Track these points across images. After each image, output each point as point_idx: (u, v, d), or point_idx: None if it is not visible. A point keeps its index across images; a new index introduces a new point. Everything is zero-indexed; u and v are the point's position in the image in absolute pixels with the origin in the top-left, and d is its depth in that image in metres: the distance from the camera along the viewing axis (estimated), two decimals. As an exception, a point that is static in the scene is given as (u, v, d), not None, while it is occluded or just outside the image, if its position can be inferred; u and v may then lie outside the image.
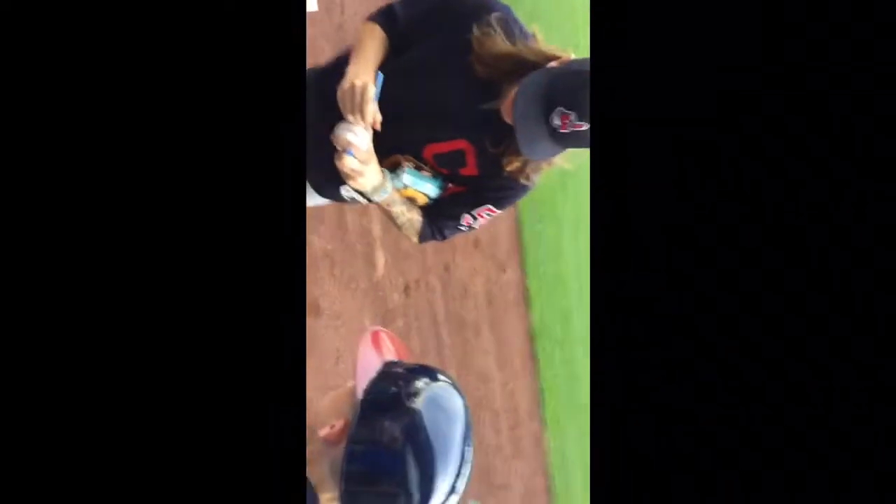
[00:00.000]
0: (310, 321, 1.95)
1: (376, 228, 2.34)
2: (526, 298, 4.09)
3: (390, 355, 0.67)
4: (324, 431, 0.62)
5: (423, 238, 0.99)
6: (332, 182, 0.99)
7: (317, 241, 2.02)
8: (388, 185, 0.90)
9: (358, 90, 0.84)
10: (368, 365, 0.64)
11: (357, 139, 0.85)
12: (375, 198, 0.91)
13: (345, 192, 1.01)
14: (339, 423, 0.61)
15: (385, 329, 0.69)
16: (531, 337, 4.13)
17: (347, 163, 0.85)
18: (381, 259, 2.36)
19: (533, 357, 4.15)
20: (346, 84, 0.85)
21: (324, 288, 2.03)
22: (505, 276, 3.80)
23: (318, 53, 2.10)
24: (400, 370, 0.64)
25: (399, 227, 0.98)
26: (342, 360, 2.07)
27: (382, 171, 0.89)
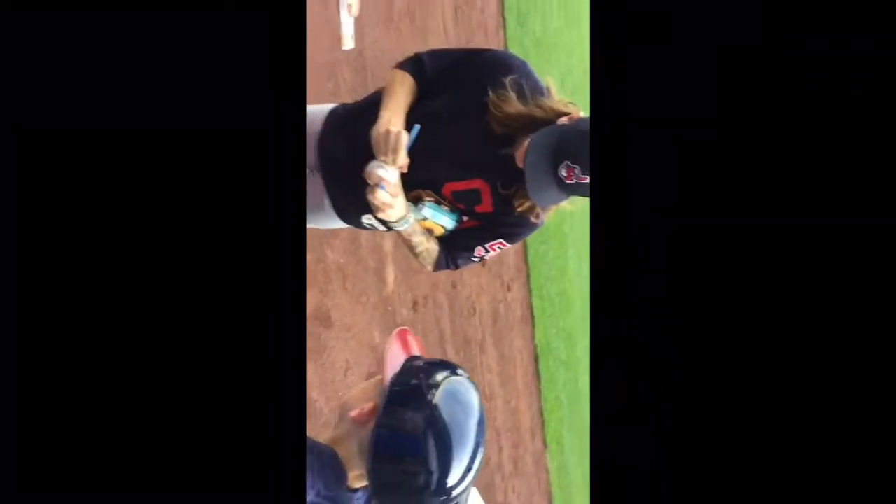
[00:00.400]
0: (321, 332, 2.00)
1: (387, 244, 2.40)
2: (531, 317, 4.12)
3: (414, 351, 0.75)
4: (354, 412, 0.69)
5: (437, 267, 1.09)
6: (355, 210, 1.09)
7: (330, 255, 2.08)
8: (411, 217, 1.00)
9: (392, 136, 0.94)
10: (395, 359, 0.72)
11: (388, 175, 0.95)
12: (398, 227, 1.01)
13: (366, 220, 1.10)
14: (368, 406, 0.68)
15: (408, 329, 0.78)
16: (535, 356, 4.15)
17: (379, 196, 0.95)
18: (391, 275, 2.42)
19: (536, 376, 4.16)
20: (381, 128, 0.96)
21: (335, 300, 2.08)
22: (511, 295, 3.85)
23: (339, 75, 2.19)
24: (421, 364, 0.72)
25: (417, 256, 1.07)
26: (351, 371, 2.11)
27: (407, 205, 0.99)
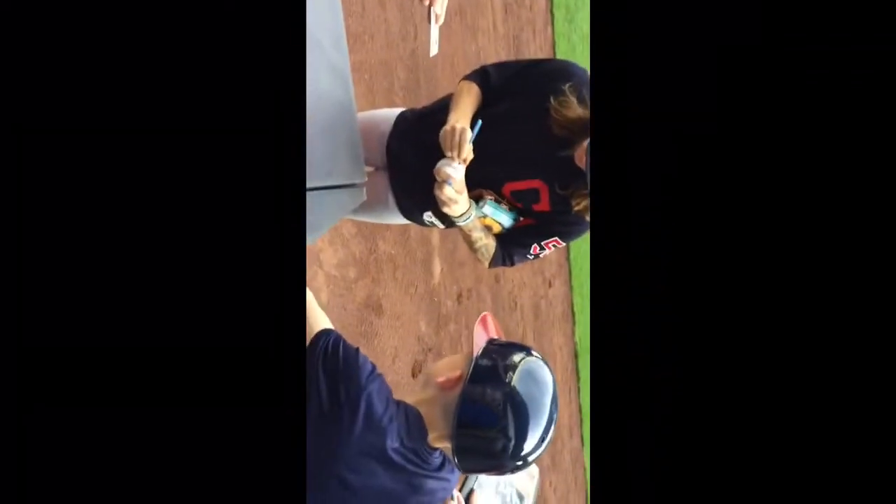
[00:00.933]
0: (373, 319, 2.09)
1: (435, 237, 2.47)
2: (571, 314, 4.12)
3: (493, 334, 0.84)
4: (441, 378, 0.78)
5: (494, 263, 1.16)
6: (418, 208, 1.18)
7: (382, 246, 2.17)
8: (472, 214, 1.08)
9: (458, 132, 1.01)
10: (479, 339, 0.81)
11: (455, 173, 1.03)
12: (460, 223, 1.08)
13: (427, 217, 1.18)
14: (455, 374, 0.77)
15: (490, 314, 0.87)
16: (575, 353, 4.15)
17: (446, 192, 1.03)
18: (437, 267, 2.49)
19: (576, 373, 4.16)
20: (448, 126, 1.03)
21: (386, 289, 2.17)
22: (552, 291, 3.86)
23: (393, 73, 2.27)
24: (500, 346, 0.81)
25: (475, 251, 1.14)
26: (398, 358, 2.20)
27: (469, 202, 1.07)
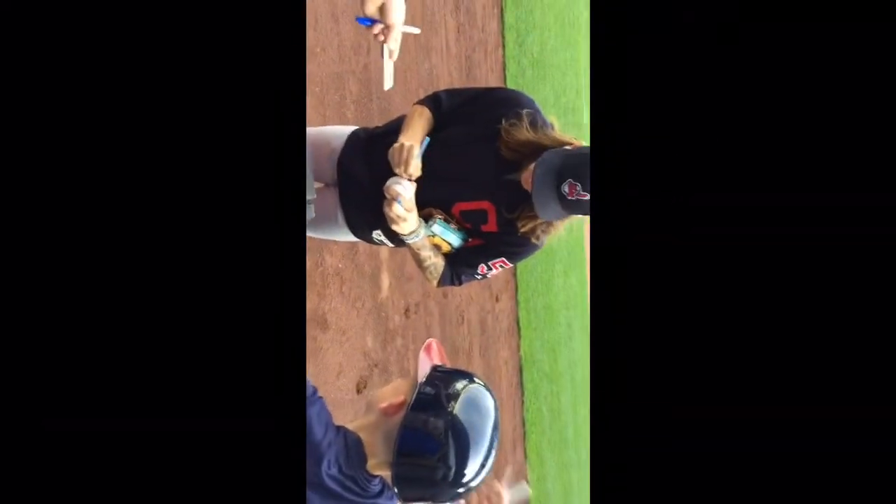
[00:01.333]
0: (317, 334, 2.06)
1: (384, 252, 2.47)
2: (517, 329, 4.20)
3: (437, 360, 0.85)
4: (384, 404, 0.78)
5: (442, 282, 1.19)
6: (367, 226, 1.18)
7: (329, 259, 2.14)
8: (422, 232, 1.11)
9: (406, 149, 1.05)
10: (424, 366, 0.81)
11: (404, 191, 1.05)
12: (409, 240, 1.11)
13: (376, 235, 1.20)
14: (397, 400, 0.77)
15: (436, 340, 0.88)
16: (520, 367, 4.23)
17: (395, 209, 1.05)
18: (385, 281, 2.48)
19: (520, 387, 4.23)
20: (396, 144, 1.07)
21: (332, 304, 2.14)
22: (499, 306, 3.92)
23: (345, 87, 2.27)
24: (444, 373, 0.81)
25: (424, 270, 1.17)
26: (343, 374, 2.17)
27: (418, 220, 1.09)
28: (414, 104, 1.15)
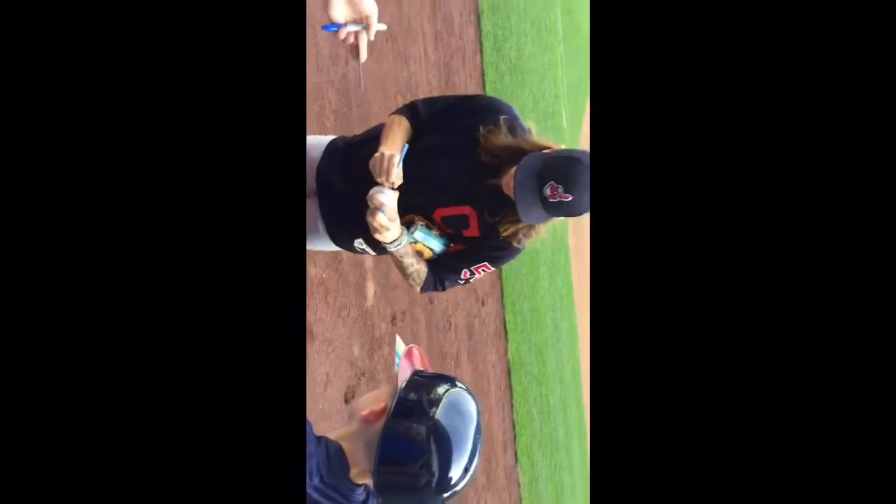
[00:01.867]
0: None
1: (368, 260, 2.46)
2: (504, 332, 4.22)
3: (419, 366, 0.84)
4: (365, 412, 0.76)
5: (426, 288, 1.19)
6: (349, 235, 1.18)
7: (313, 270, 2.13)
8: (404, 240, 1.11)
9: (386, 158, 1.05)
10: (404, 372, 0.79)
11: (388, 200, 1.06)
12: (391, 248, 1.11)
13: (358, 244, 1.20)
14: (378, 407, 0.76)
15: (417, 346, 0.87)
16: (508, 370, 4.24)
17: (379, 219, 1.06)
18: (371, 289, 2.48)
19: (509, 390, 4.24)
20: (377, 154, 1.08)
21: (317, 314, 2.13)
22: (485, 310, 3.93)
23: (324, 97, 2.27)
24: (425, 378, 0.80)
25: (407, 277, 1.17)
26: (331, 384, 2.15)
27: (401, 228, 1.10)
28: (391, 114, 1.15)
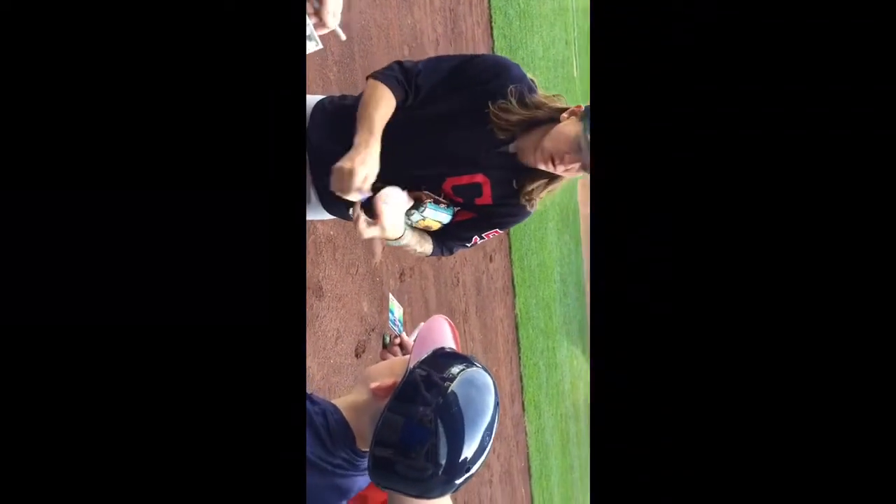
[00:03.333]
0: (313, 302, 2.06)
1: (375, 216, 2.44)
2: (512, 287, 4.23)
3: (449, 342, 0.76)
4: (375, 384, 0.70)
5: (432, 254, 1.16)
6: (342, 202, 1.10)
7: (320, 227, 2.12)
8: (408, 235, 1.06)
9: (346, 173, 0.94)
10: (423, 346, 0.71)
11: (392, 204, 1.00)
12: (393, 244, 1.07)
13: (352, 212, 1.14)
14: (388, 381, 0.69)
15: (448, 319, 0.77)
16: (516, 325, 4.28)
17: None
18: (378, 245, 2.47)
19: (517, 344, 4.30)
20: (337, 166, 0.96)
21: (326, 271, 2.13)
22: (493, 266, 3.94)
23: (326, 47, 2.19)
24: (443, 359, 0.71)
25: (410, 252, 1.13)
26: (341, 339, 2.18)
27: (404, 225, 1.04)
28: (374, 80, 1.03)
